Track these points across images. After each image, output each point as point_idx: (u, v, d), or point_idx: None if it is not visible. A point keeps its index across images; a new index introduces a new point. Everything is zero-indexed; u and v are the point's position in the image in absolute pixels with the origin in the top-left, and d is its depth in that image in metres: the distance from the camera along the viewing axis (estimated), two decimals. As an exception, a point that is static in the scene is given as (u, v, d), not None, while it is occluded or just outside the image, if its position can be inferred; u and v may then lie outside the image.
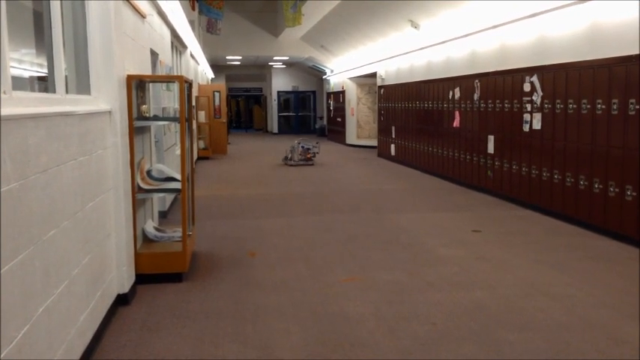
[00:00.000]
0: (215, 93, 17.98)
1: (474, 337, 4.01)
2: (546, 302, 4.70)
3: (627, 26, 6.44)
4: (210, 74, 24.85)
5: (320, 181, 12.28)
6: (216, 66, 27.04)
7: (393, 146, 15.70)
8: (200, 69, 18.80)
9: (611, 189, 6.66)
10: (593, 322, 4.25)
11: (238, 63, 27.35)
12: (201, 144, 16.48)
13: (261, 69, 29.87)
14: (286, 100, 31.01)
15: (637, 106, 6.20)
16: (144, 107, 5.53)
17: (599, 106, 6.83)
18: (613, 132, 6.64)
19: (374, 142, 18.40)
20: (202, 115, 16.41)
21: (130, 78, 4.90)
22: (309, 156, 14.69)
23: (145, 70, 6.31)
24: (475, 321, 4.30)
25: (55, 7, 3.62)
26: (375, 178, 12.76)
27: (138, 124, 5.19)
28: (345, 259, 6.05)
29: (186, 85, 5.37)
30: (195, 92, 15.66)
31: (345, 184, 11.78)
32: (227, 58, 25.00)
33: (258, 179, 12.56)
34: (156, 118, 5.93)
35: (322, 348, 3.83)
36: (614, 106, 6.57)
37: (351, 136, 21.56)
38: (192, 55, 14.72)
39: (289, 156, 14.66)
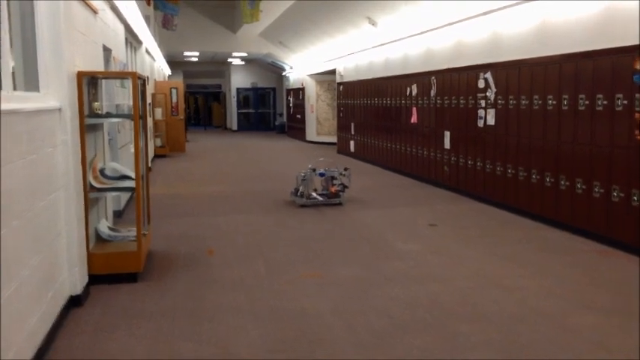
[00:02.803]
0: (172, 90, 17.74)
1: (429, 329, 4.08)
2: (500, 294, 4.80)
3: (575, 24, 6.62)
4: (168, 71, 24.49)
5: (281, 177, 12.25)
6: (174, 62, 26.65)
7: (352, 143, 15.78)
8: (156, 65, 18.50)
9: (562, 182, 6.85)
10: (545, 312, 4.37)
11: (196, 59, 27.03)
12: (158, 142, 16.23)
13: (219, 65, 29.58)
14: (245, 97, 30.81)
15: (587, 102, 6.39)
16: (96, 104, 5.41)
17: (550, 101, 7.01)
18: (563, 127, 6.82)
19: (334, 139, 18.47)
20: (159, 113, 16.17)
21: (80, 74, 4.78)
22: (333, 190, 8.77)
23: (97, 66, 6.17)
24: (430, 313, 4.36)
25: (2, 2, 3.50)
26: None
27: (89, 122, 5.08)
28: (304, 255, 6.06)
29: (140, 81, 5.28)
30: (151, 89, 15.42)
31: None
32: (184, 54, 24.68)
33: (218, 177, 12.44)
34: (108, 115, 5.81)
35: (280, 345, 3.83)
36: (565, 102, 6.75)
37: (311, 133, 21.58)
38: (147, 52, 14.47)
39: (301, 189, 8.76)
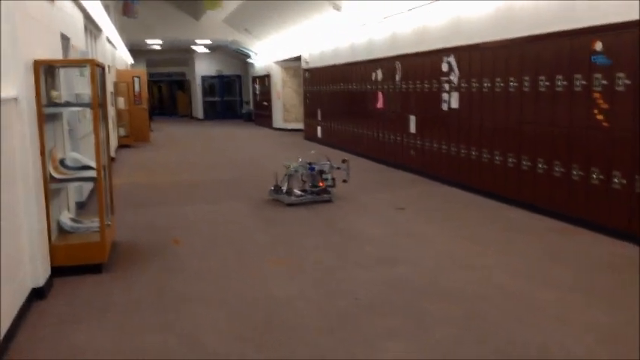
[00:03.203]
0: (135, 78, 17.42)
1: (396, 309, 4.12)
2: (465, 273, 4.88)
3: (535, 7, 6.71)
4: (130, 59, 24.03)
5: (248, 165, 12.19)
6: (136, 51, 26.14)
7: (319, 129, 15.77)
8: (118, 54, 18.14)
9: (525, 163, 6.97)
10: (509, 290, 4.45)
11: (159, 47, 26.56)
12: (122, 131, 15.95)
13: (183, 53, 29.13)
14: (211, 85, 30.45)
15: (547, 83, 6.49)
16: (54, 93, 5.28)
17: (512, 84, 7.10)
18: (525, 108, 6.93)
19: (301, 126, 18.43)
20: (122, 102, 15.87)
21: (37, 63, 4.66)
22: (322, 184, 7.79)
23: (56, 54, 6.01)
24: (398, 295, 4.41)
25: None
26: (302, 161, 12.77)
27: (48, 111, 4.96)
28: (272, 242, 6.05)
29: (99, 69, 5.16)
30: (113, 78, 15.12)
31: (274, 168, 11.73)
32: (147, 42, 24.23)
33: (184, 166, 12.31)
34: (68, 104, 5.67)
35: (249, 331, 3.82)
36: (526, 84, 6.85)
37: (278, 120, 21.49)
38: (108, 40, 14.17)
39: (282, 186, 7.84)
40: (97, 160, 5.03)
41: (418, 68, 9.64)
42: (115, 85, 15.56)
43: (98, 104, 4.99)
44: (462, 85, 8.25)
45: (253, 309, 4.20)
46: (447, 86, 8.68)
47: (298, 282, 4.76)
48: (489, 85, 7.58)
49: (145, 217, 7.27)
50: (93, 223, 5.38)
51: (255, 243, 6.00)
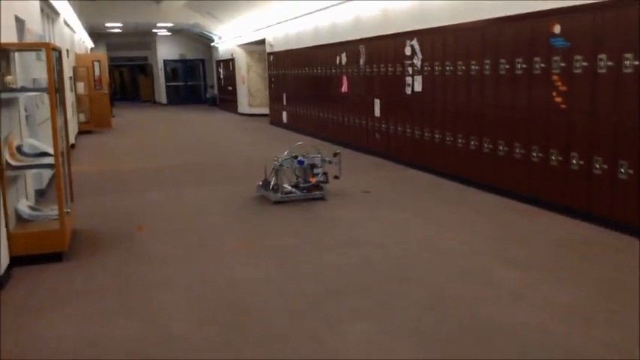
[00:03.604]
0: (95, 63, 17.04)
1: (360, 291, 4.16)
2: (430, 255, 4.95)
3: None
4: (90, 43, 23.46)
5: (213, 150, 12.08)
6: (96, 34, 25.54)
7: (285, 113, 15.70)
8: (77, 38, 17.68)
9: (486, 145, 7.07)
10: (471, 270, 4.54)
11: (120, 31, 25.98)
12: (82, 117, 15.60)
13: (144, 37, 28.55)
14: (174, 69, 29.96)
15: (507, 66, 6.58)
16: (9, 78, 5.12)
17: (473, 67, 7.18)
18: (486, 91, 7.02)
19: (266, 111, 18.31)
20: (81, 87, 15.50)
21: (-11, 46, 4.50)
22: (314, 181, 6.98)
23: (10, 38, 5.82)
24: (362, 276, 4.45)
25: None
26: (268, 146, 12.71)
27: (3, 97, 4.82)
28: (237, 227, 6.03)
29: (55, 53, 5.03)
30: (71, 62, 14.75)
31: (237, 153, 11.68)
32: (107, 25, 23.68)
33: (146, 152, 12.12)
34: (23, 89, 5.51)
35: (213, 315, 3.82)
36: (487, 67, 6.93)
37: (243, 105, 21.30)
38: (66, 23, 13.79)
39: (273, 182, 7.01)
40: (55, 147, 4.91)
41: (382, 52, 9.66)
42: (74, 69, 15.18)
43: (55, 89, 4.87)
44: (425, 68, 8.30)
45: (218, 293, 4.19)
46: (410, 70, 8.72)
47: (262, 265, 4.76)
48: (452, 68, 7.65)
49: (107, 205, 7.15)
50: (52, 211, 5.27)
51: (218, 227, 5.97)
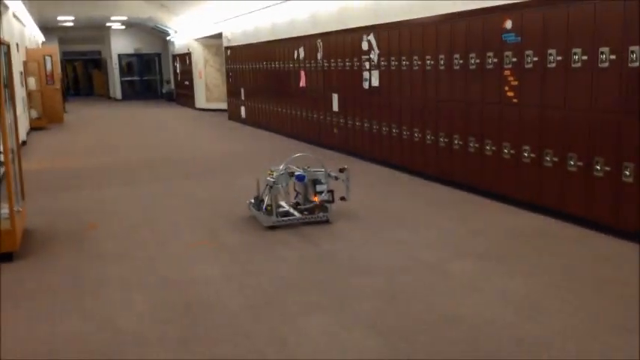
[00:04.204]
0: (46, 57, 16.56)
1: (320, 285, 4.18)
2: (387, 248, 5.00)
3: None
4: (41, 37, 22.78)
5: (170, 146, 11.92)
6: (48, 28, 24.81)
7: (243, 108, 15.59)
8: (27, 32, 17.14)
9: (442, 139, 7.18)
10: (427, 262, 4.61)
11: (72, 24, 25.29)
12: (34, 113, 15.16)
13: (98, 30, 27.86)
14: (129, 64, 29.36)
15: (461, 61, 6.69)
16: (-47, 73, 4.94)
17: (429, 62, 7.27)
18: (441, 86, 7.13)
19: (224, 105, 18.15)
20: (32, 82, 15.06)
21: None
22: (317, 200, 5.76)
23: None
24: (322, 271, 4.47)
25: None
26: (227, 142, 12.65)
27: (-54, 92, 4.64)
28: (193, 224, 5.96)
29: (4, 47, 4.87)
30: (22, 57, 14.31)
31: (195, 149, 11.56)
32: (58, 19, 23.02)
33: (100, 148, 11.87)
34: (-31, 84, 5.32)
35: (169, 313, 3.78)
36: (441, 62, 7.03)
37: (201, 100, 21.07)
38: (15, 17, 13.36)
39: (267, 201, 5.71)
40: (4, 144, 4.76)
41: (339, 46, 9.69)
42: (25, 64, 14.73)
43: (3, 84, 4.71)
44: (382, 63, 8.37)
45: (174, 291, 4.15)
46: (367, 64, 8.77)
47: (219, 262, 4.73)
48: (407, 63, 7.73)
49: (59, 203, 6.98)
50: (2, 210, 5.11)
51: (175, 224, 5.90)
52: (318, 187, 5.77)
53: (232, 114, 16.68)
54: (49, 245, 5.27)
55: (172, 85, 26.53)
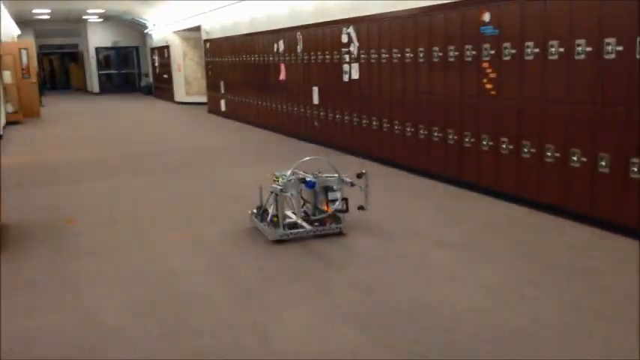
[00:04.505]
0: (22, 51, 16.28)
1: (300, 277, 4.19)
2: (366, 239, 5.02)
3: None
4: (16, 31, 22.38)
5: (149, 140, 11.82)
6: (23, 22, 24.37)
7: (223, 102, 15.50)
8: (2, 25, 16.82)
9: (421, 132, 7.22)
10: (405, 252, 4.64)
11: (48, 17, 24.88)
12: (10, 107, 14.91)
13: (74, 23, 27.45)
14: (107, 57, 28.98)
15: (440, 54, 6.72)
16: None
17: (408, 54, 7.29)
18: (421, 79, 7.15)
19: (204, 99, 18.03)
20: (8, 76, 14.81)
21: None
22: (327, 209, 5.11)
23: None
24: (300, 263, 4.48)
25: None
26: (206, 135, 12.59)
27: None
28: (173, 217, 5.93)
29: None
30: (-5, 50, 14.06)
31: (174, 143, 11.47)
32: (34, 12, 22.63)
33: (77, 143, 11.73)
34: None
35: (149, 308, 3.76)
36: (421, 55, 7.06)
37: (180, 94, 20.90)
38: (-11, 8, 13.11)
39: (271, 211, 5.11)
40: (-22, 137, 4.68)
41: (319, 39, 9.67)
42: (0, 57, 14.47)
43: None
44: (362, 56, 8.37)
45: (153, 284, 4.13)
46: (347, 57, 8.77)
47: (199, 255, 4.72)
48: (387, 56, 7.75)
49: (36, 197, 6.90)
50: (-23, 204, 5.03)
51: (154, 217, 5.87)
52: (331, 195, 5.04)
53: (212, 107, 16.58)
54: (26, 240, 5.20)
55: (151, 79, 26.27)
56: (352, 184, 5.02)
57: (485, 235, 5.05)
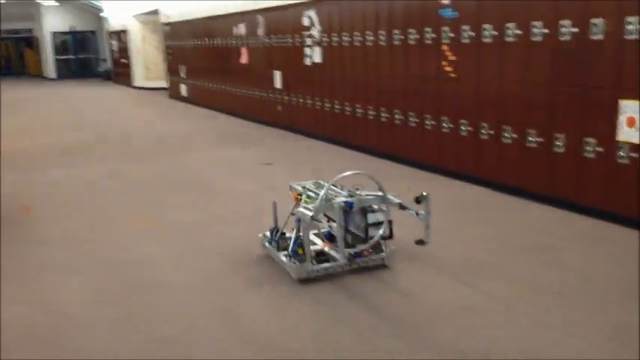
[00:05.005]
0: (-28, 35, 15.70)
1: (262, 260, 4.19)
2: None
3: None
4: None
5: (107, 126, 11.59)
6: (-28, 4, 23.49)
7: (184, 86, 15.30)
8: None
9: (383, 115, 7.27)
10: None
11: (1, 0, 24.03)
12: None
13: (28, 7, 26.57)
14: (63, 42, 28.19)
15: (401, 37, 6.75)
16: None
17: (369, 37, 7.31)
18: (382, 62, 7.18)
19: (164, 84, 17.73)
20: (-42, 61, 14.26)
21: None
22: (368, 242, 3.86)
23: None
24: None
25: None
26: (168, 121, 12.41)
27: None
28: (135, 204, 5.86)
29: None
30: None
31: (134, 129, 11.28)
32: (-16, -6, 21.83)
33: (32, 130, 11.42)
34: None
35: (112, 296, 3.72)
36: (382, 38, 7.08)
37: (139, 79, 20.52)
38: None
39: (293, 238, 3.91)
40: None
41: (280, 22, 9.60)
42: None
43: None
44: (324, 39, 8.35)
45: (115, 273, 4.08)
46: (309, 41, 8.74)
47: (161, 242, 4.68)
48: (349, 39, 7.75)
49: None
50: None
51: (115, 204, 5.79)
52: (371, 218, 3.85)
53: (173, 92, 16.34)
54: (-17, 231, 5.07)
55: (109, 64, 25.69)
56: (402, 207, 3.88)
57: (445, 215, 5.12)
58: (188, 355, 2.98)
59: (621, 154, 4.54)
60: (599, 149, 4.70)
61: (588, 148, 4.78)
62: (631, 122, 4.42)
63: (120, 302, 3.62)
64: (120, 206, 5.79)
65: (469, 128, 5.97)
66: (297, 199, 4.02)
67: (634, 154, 4.45)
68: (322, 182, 4.19)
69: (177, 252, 4.45)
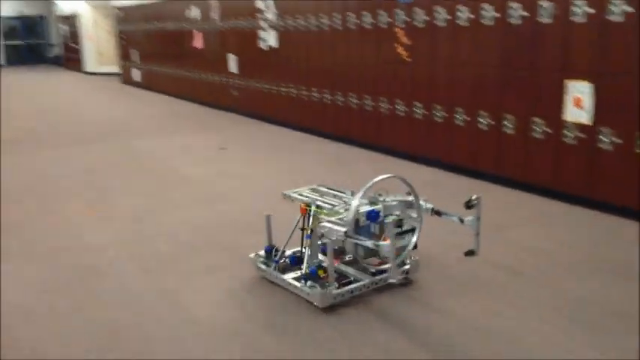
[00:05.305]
0: None
1: (217, 247, 4.15)
2: (288, 207, 5.02)
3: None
4: None
5: (58, 112, 11.25)
6: None
7: (138, 72, 14.97)
8: None
9: (339, 99, 7.26)
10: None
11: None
12: None
13: (-28, -9, 25.51)
14: (12, 27, 27.21)
15: (356, 21, 6.73)
16: None
17: (324, 21, 7.26)
18: (337, 46, 7.16)
19: (117, 69, 17.30)
20: None
21: None
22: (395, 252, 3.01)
23: None
24: (218, 232, 4.43)
25: None
26: (120, 107, 12.13)
27: None
28: (84, 191, 5.71)
29: None
30: None
31: (86, 115, 10.99)
32: None
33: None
34: None
35: (57, 284, 3.61)
36: (337, 22, 7.04)
37: (91, 64, 20.00)
38: None
39: (306, 256, 3.38)
40: None
41: (234, 5, 9.46)
42: None
43: None
44: (280, 23, 8.27)
45: (63, 260, 3.96)
46: (264, 24, 8.64)
47: (112, 228, 4.58)
48: (304, 23, 7.69)
49: None
50: None
51: (63, 190, 5.62)
52: (390, 227, 3.00)
53: (126, 78, 15.98)
54: None
55: (60, 49, 24.92)
56: (435, 212, 3.35)
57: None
58: (137, 341, 2.92)
59: (568, 133, 4.65)
60: (548, 130, 4.80)
61: (537, 128, 4.87)
62: (577, 102, 4.53)
63: (64, 290, 3.51)
64: (66, 192, 5.62)
65: (424, 111, 6.01)
66: (304, 210, 3.42)
67: (580, 134, 4.56)
68: (321, 188, 3.76)
69: (126, 238, 4.35)
